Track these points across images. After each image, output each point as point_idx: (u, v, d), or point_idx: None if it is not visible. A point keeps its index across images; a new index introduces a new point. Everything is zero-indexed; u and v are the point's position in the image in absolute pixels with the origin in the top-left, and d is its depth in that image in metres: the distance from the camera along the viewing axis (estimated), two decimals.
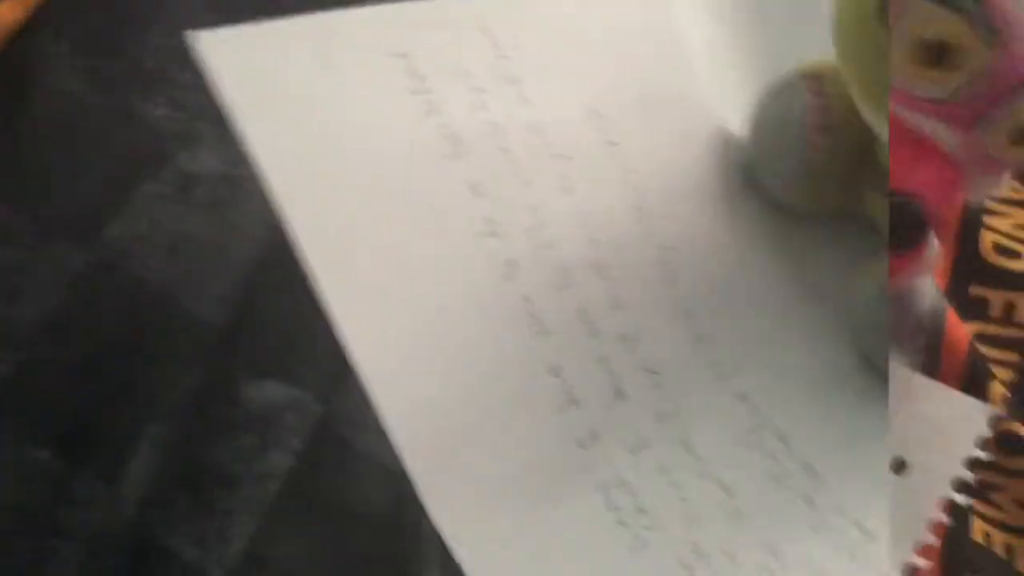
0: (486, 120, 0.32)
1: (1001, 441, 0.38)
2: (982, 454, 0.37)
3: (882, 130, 0.29)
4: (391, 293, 0.31)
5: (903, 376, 0.39)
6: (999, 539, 0.37)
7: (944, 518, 0.36)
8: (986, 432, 0.38)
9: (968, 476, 0.37)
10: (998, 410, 0.38)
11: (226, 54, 0.29)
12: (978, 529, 0.37)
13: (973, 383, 0.38)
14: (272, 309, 0.34)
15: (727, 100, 0.42)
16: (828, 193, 0.39)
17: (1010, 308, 0.40)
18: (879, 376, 0.38)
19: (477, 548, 0.29)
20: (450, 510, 0.30)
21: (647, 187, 0.36)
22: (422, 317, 0.31)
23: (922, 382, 0.39)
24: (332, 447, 0.33)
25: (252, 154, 0.29)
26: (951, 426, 0.38)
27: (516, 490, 0.31)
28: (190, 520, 0.32)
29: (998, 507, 0.38)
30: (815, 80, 0.37)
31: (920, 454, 0.37)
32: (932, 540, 0.36)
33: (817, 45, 0.34)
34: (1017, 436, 0.38)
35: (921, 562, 0.35)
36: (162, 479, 0.32)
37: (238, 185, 0.34)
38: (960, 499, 0.37)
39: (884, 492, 0.35)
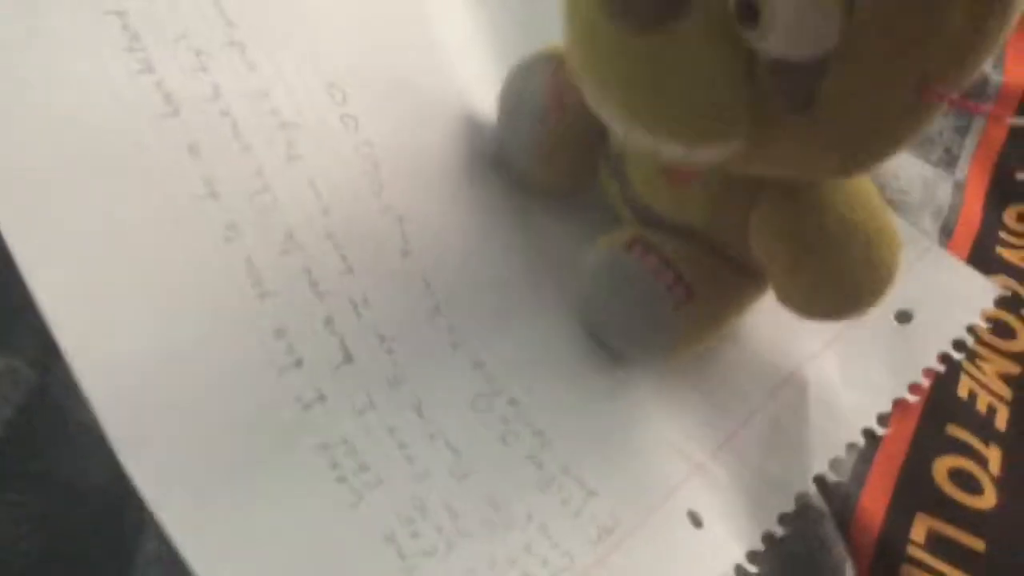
0: (207, 82, 0.32)
1: (997, 323, 0.46)
2: (982, 324, 0.46)
3: (600, 111, 0.31)
4: (99, 254, 0.30)
5: (923, 244, 0.48)
6: (983, 399, 0.43)
7: (938, 367, 0.43)
8: (990, 308, 0.46)
9: (967, 338, 0.45)
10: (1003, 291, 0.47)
11: None
12: (964, 385, 0.43)
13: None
14: None
15: (478, 86, 0.43)
16: (564, 170, 0.41)
17: None
18: (601, 346, 0.40)
19: (185, 516, 0.29)
20: (156, 477, 0.29)
21: (383, 161, 0.37)
22: (134, 279, 0.30)
23: (940, 253, 0.48)
24: (47, 418, 0.32)
25: None
26: (960, 294, 0.47)
27: (230, 453, 0.30)
28: None
29: (983, 373, 0.44)
30: (554, 61, 0.39)
31: (926, 312, 0.45)
32: (923, 383, 0.43)
33: None
34: (1008, 325, 0.47)
35: (911, 398, 0.42)
36: None
37: None
38: (955, 355, 0.44)
39: (607, 453, 0.37)
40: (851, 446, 0.40)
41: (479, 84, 0.43)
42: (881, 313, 0.42)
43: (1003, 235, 0.51)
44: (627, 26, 0.27)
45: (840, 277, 0.34)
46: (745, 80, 0.28)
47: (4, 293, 0.32)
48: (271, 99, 0.34)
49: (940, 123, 0.56)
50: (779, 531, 0.37)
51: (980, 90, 0.57)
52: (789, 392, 0.41)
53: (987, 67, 0.54)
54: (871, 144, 0.30)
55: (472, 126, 0.42)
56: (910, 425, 0.41)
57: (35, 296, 0.27)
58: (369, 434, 0.33)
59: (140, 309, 0.30)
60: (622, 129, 0.31)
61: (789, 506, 0.38)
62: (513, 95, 0.41)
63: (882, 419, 0.41)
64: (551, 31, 0.41)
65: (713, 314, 0.38)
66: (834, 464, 0.40)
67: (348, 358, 0.34)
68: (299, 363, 0.32)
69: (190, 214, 0.31)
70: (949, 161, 0.54)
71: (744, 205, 0.36)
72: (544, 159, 0.40)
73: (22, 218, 0.28)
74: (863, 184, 0.35)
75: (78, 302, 0.28)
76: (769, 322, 0.42)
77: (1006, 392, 0.44)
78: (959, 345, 0.45)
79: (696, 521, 0.37)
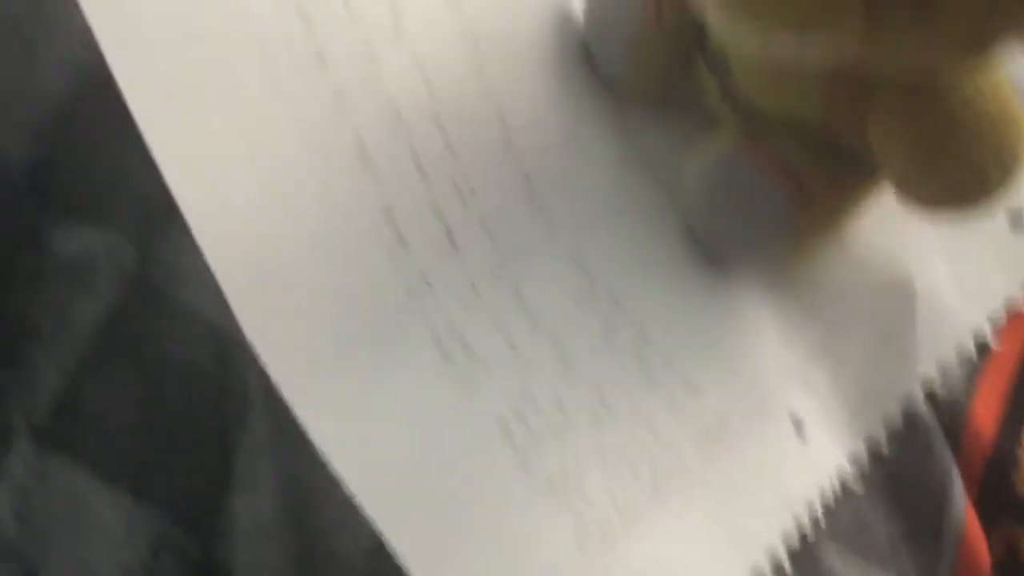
0: None
1: None
2: None
3: (715, 18, 0.29)
4: (214, 125, 0.29)
5: None
6: None
7: None
8: None
9: None
10: None
11: None
12: None
13: None
14: (85, 147, 0.31)
15: None
16: (659, 70, 0.39)
17: None
18: (703, 247, 0.38)
19: (308, 394, 0.29)
20: (279, 355, 0.28)
21: (486, 46, 0.36)
22: (247, 150, 0.29)
23: None
24: (149, 297, 0.31)
25: None
26: None
27: (347, 333, 0.30)
28: None
29: None
30: None
31: None
32: None
33: None
34: None
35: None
36: None
37: (46, 20, 0.32)
38: None
39: (708, 352, 0.36)
40: (961, 354, 0.39)
41: None
42: (993, 215, 0.40)
43: None
44: None
45: (968, 164, 0.33)
46: None
47: (105, 172, 0.31)
48: None
49: None
50: (884, 440, 0.37)
51: None
52: (895, 296, 0.40)
53: None
54: (990, 21, 0.28)
55: (564, 23, 0.40)
56: (1022, 334, 0.40)
57: (154, 158, 0.26)
58: (476, 324, 0.32)
59: (255, 179, 0.29)
60: (727, 23, 0.29)
61: (895, 414, 0.37)
62: None
63: (994, 326, 0.40)
64: None
65: (833, 215, 0.37)
66: (943, 372, 0.39)
67: (453, 244, 0.33)
68: (406, 246, 0.31)
69: (299, 83, 0.30)
70: None
71: (862, 94, 0.34)
72: (639, 59, 0.38)
73: (139, 82, 0.28)
74: (990, 72, 0.33)
75: (195, 167, 0.28)
76: (874, 225, 0.41)
77: None
78: None
79: (798, 425, 0.36)
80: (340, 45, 0.31)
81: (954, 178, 0.33)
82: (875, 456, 0.36)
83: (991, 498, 0.36)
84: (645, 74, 0.39)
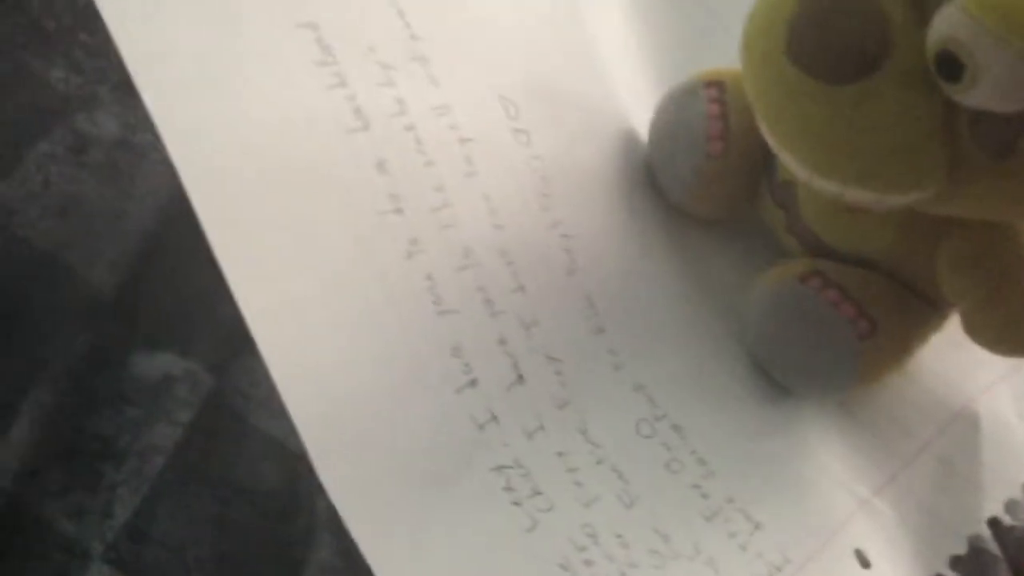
0: (393, 97, 0.32)
1: None
2: None
3: (784, 157, 0.30)
4: (292, 265, 0.30)
5: None
6: None
7: None
8: None
9: None
10: None
11: (129, 14, 0.28)
12: None
13: None
14: (167, 278, 0.33)
15: (634, 100, 0.42)
16: (723, 200, 0.40)
17: None
18: (766, 378, 0.38)
19: (372, 525, 0.29)
20: (346, 486, 0.29)
21: (552, 176, 0.37)
22: (323, 291, 0.30)
23: None
24: (224, 421, 0.33)
25: (152, 117, 0.28)
26: None
27: (413, 468, 0.31)
28: (69, 492, 0.31)
29: None
30: (715, 87, 0.38)
31: None
32: None
33: (729, 52, 0.35)
34: None
35: None
36: (42, 449, 0.31)
37: (137, 151, 0.34)
38: None
39: (772, 486, 0.36)
40: None
41: (637, 100, 0.42)
42: None
43: None
44: (823, 79, 0.27)
45: None
46: (942, 129, 0.27)
47: (185, 300, 0.33)
48: (452, 113, 0.34)
49: None
50: (950, 575, 0.36)
51: None
52: (960, 428, 0.40)
53: None
54: None
55: (627, 145, 0.41)
56: None
57: (238, 303, 0.28)
58: (540, 457, 0.33)
59: (329, 322, 0.30)
60: (806, 175, 0.30)
61: (961, 548, 0.37)
62: (670, 123, 0.39)
63: None
64: (709, 49, 0.41)
65: (897, 349, 0.37)
66: (1009, 506, 0.38)
67: (520, 379, 0.33)
68: (474, 383, 0.32)
69: (376, 229, 0.31)
70: None
71: (932, 235, 0.34)
72: (703, 189, 0.39)
73: (219, 217, 0.29)
74: None
75: (274, 311, 0.29)
76: (939, 353, 0.40)
77: None
78: None
79: (864, 561, 0.35)
80: (415, 190, 0.32)
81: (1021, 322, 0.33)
82: None
83: None
84: (708, 203, 0.40)
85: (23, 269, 0.31)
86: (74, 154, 0.34)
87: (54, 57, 0.34)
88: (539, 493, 0.32)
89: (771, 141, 0.30)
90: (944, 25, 0.26)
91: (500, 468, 0.32)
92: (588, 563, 0.31)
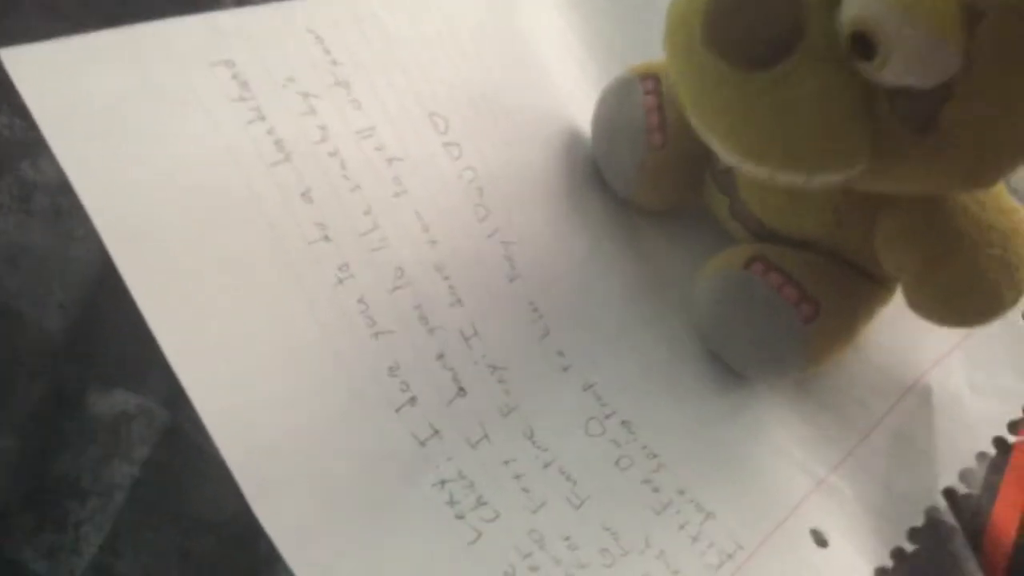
0: (315, 125, 0.33)
1: None
2: None
3: (712, 145, 0.30)
4: (219, 306, 0.30)
5: None
6: None
7: None
8: None
9: None
10: None
11: (34, 70, 0.28)
12: None
13: None
14: (117, 317, 0.34)
15: (583, 97, 0.42)
16: (668, 190, 0.40)
17: None
18: (720, 365, 0.39)
19: (314, 564, 0.29)
20: (285, 525, 0.29)
21: (487, 186, 0.37)
22: (254, 328, 0.30)
23: None
24: (181, 454, 0.33)
25: (66, 173, 0.28)
26: None
27: (354, 496, 0.31)
28: (39, 533, 0.32)
29: None
30: (651, 79, 0.38)
31: None
32: None
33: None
34: None
35: None
36: (10, 493, 0.32)
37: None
38: None
39: (725, 474, 0.37)
40: (981, 455, 0.39)
41: (574, 99, 0.42)
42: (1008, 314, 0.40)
43: None
44: (740, 66, 0.27)
45: (978, 279, 0.33)
46: (862, 108, 0.27)
47: (135, 337, 0.34)
48: (377, 135, 0.34)
49: None
50: (908, 547, 0.37)
51: None
52: (913, 401, 0.40)
53: None
54: (995, 160, 0.29)
55: (570, 143, 0.41)
56: None
57: (160, 344, 0.28)
58: (485, 467, 0.33)
59: (260, 354, 0.30)
60: (735, 161, 0.30)
61: (918, 521, 0.37)
62: (609, 118, 0.40)
63: (1013, 426, 0.40)
64: (652, 43, 0.40)
65: (843, 327, 0.37)
66: (964, 475, 0.38)
67: (461, 391, 0.34)
68: (413, 400, 0.33)
69: (304, 259, 0.31)
70: None
71: (868, 212, 0.34)
72: (646, 182, 0.39)
73: (143, 269, 0.29)
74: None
75: (200, 349, 0.29)
76: (888, 329, 0.41)
77: None
78: None
79: (820, 540, 0.36)
80: (342, 215, 0.33)
81: (965, 297, 0.33)
82: (899, 562, 0.36)
83: None
84: (654, 194, 0.40)
85: None
86: (20, 202, 0.34)
87: None
88: (484, 503, 0.32)
89: (698, 130, 0.31)
90: (854, 5, 0.26)
91: (443, 483, 0.32)
92: (533, 568, 0.31)
